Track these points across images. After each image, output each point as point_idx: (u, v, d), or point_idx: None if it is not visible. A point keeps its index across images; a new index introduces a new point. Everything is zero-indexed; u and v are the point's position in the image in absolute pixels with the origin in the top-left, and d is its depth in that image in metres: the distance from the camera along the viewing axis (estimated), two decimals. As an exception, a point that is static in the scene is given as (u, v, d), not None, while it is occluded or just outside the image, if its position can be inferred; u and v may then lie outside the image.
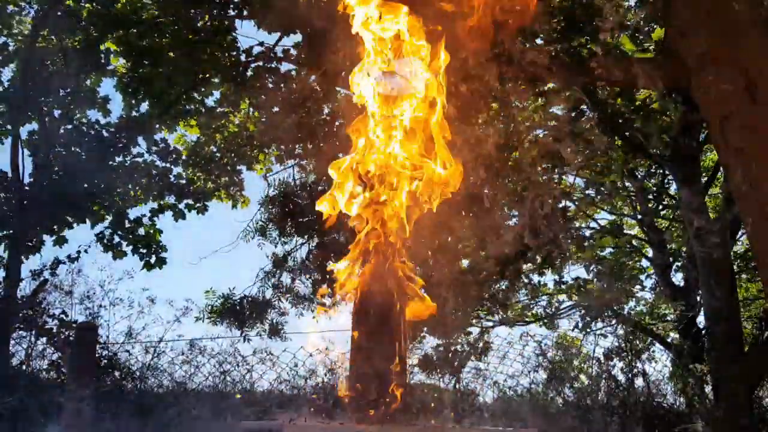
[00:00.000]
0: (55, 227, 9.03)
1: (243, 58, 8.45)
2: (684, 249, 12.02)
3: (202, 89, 9.41)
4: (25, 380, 7.54)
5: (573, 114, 8.37)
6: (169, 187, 9.77)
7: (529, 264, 10.75)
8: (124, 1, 8.86)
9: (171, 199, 9.94)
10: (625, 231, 12.97)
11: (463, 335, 9.63)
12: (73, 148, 9.12)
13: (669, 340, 10.60)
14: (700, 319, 9.39)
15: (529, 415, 7.44)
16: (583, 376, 7.94)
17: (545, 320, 11.59)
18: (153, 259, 9.73)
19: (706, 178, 10.99)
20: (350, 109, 3.75)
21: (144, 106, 9.55)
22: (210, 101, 9.78)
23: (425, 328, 9.47)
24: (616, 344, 7.91)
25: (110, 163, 9.20)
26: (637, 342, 8.11)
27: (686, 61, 3.53)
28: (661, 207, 11.98)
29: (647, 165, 11.18)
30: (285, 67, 8.47)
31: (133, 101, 9.47)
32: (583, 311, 8.87)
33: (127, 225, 9.63)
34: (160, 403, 7.55)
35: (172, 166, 9.88)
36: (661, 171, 10.85)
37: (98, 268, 8.79)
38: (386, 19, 3.49)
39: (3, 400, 6.68)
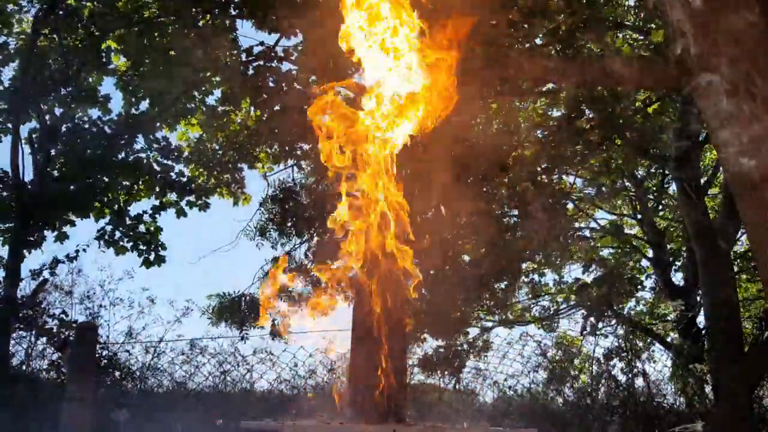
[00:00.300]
0: (56, 223, 9.05)
1: (243, 57, 8.44)
2: (684, 249, 12.02)
3: (203, 88, 9.41)
4: (25, 380, 7.55)
5: (573, 114, 8.37)
6: (171, 184, 9.78)
7: (529, 263, 10.75)
8: (124, 0, 8.86)
9: (173, 197, 9.95)
10: (625, 231, 12.96)
11: (462, 336, 9.64)
12: (77, 141, 9.12)
13: (669, 340, 10.60)
14: (700, 319, 9.40)
15: (529, 415, 7.45)
16: (583, 376, 7.94)
17: (545, 322, 11.58)
18: (152, 257, 9.73)
19: (705, 178, 10.99)
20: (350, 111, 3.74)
21: (144, 104, 9.57)
22: (210, 99, 9.81)
23: (425, 330, 9.49)
24: (616, 344, 7.91)
25: (113, 159, 9.20)
26: (637, 342, 8.11)
27: (686, 61, 3.53)
28: (661, 207, 11.98)
29: (647, 165, 11.18)
30: (285, 66, 8.50)
31: (133, 99, 9.48)
32: (585, 313, 8.86)
33: (128, 222, 9.64)
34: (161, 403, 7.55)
35: (174, 164, 9.90)
36: (661, 171, 10.86)
37: (98, 268, 8.83)
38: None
39: (3, 399, 6.68)
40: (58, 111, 9.28)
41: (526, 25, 6.98)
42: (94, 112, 9.54)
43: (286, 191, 9.04)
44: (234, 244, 9.94)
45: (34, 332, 8.15)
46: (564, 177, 10.37)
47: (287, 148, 8.78)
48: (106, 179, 9.25)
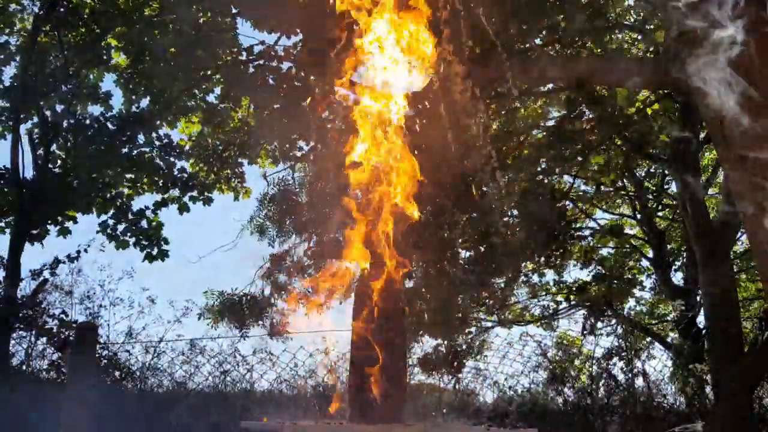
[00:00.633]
0: (58, 219, 9.07)
1: (244, 56, 8.45)
2: (684, 249, 12.03)
3: (203, 86, 9.42)
4: (25, 380, 7.54)
5: (572, 114, 8.37)
6: (173, 180, 9.80)
7: (528, 262, 10.74)
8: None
9: (175, 193, 9.97)
10: (625, 231, 12.97)
11: (461, 336, 9.64)
12: (79, 137, 9.14)
13: (669, 340, 10.60)
14: (700, 319, 9.40)
15: (529, 415, 7.45)
16: (583, 377, 7.94)
17: (544, 322, 11.58)
18: (155, 251, 9.75)
19: (705, 178, 11.00)
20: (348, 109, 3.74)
21: (144, 102, 9.59)
22: (210, 97, 9.82)
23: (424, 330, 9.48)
24: (616, 344, 7.91)
25: (115, 154, 9.21)
26: (637, 342, 8.11)
27: (686, 61, 3.54)
28: (660, 207, 11.98)
29: (647, 165, 11.19)
30: (285, 66, 8.50)
31: (134, 97, 9.50)
32: (585, 313, 8.87)
33: (131, 217, 9.67)
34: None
35: (176, 160, 9.92)
36: (661, 171, 10.86)
37: (98, 268, 8.80)
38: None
39: (3, 400, 6.68)
40: (59, 108, 9.31)
41: (524, 26, 6.99)
42: (96, 109, 9.60)
43: (284, 192, 9.03)
44: (234, 243, 9.93)
45: (34, 332, 8.15)
46: (564, 177, 10.38)
47: (287, 145, 8.79)
48: (110, 172, 9.27)
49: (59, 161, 9.27)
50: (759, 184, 3.19)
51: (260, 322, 9.45)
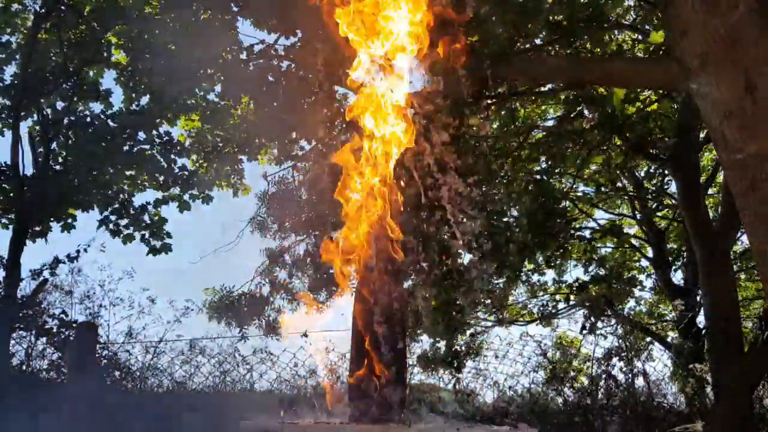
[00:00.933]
0: (60, 216, 9.08)
1: (244, 55, 8.45)
2: (684, 249, 12.03)
3: (204, 84, 9.43)
4: (25, 380, 7.54)
5: (572, 114, 8.38)
6: (174, 178, 9.82)
7: (528, 262, 10.75)
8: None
9: (175, 191, 9.99)
10: (624, 231, 12.97)
11: (460, 336, 9.64)
12: (79, 135, 9.15)
13: (669, 340, 10.60)
14: (700, 319, 9.40)
15: (529, 415, 7.45)
16: (583, 378, 7.94)
17: (543, 319, 11.59)
18: (159, 245, 9.76)
19: (705, 178, 11.00)
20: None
21: (144, 99, 9.60)
22: (210, 96, 9.83)
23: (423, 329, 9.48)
24: (616, 344, 7.91)
25: (116, 152, 9.23)
26: (637, 342, 8.11)
27: (686, 61, 3.53)
28: (660, 207, 11.99)
29: (647, 165, 11.19)
30: (285, 65, 8.50)
31: (134, 95, 9.51)
32: (586, 313, 8.87)
33: (132, 212, 9.69)
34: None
35: (176, 158, 9.93)
36: (661, 171, 10.87)
37: (98, 268, 8.79)
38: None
39: (3, 399, 6.68)
40: (59, 105, 9.33)
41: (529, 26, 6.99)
42: (96, 107, 9.61)
43: (283, 192, 9.04)
44: (235, 243, 9.94)
45: (34, 332, 8.14)
46: (564, 177, 10.39)
47: (287, 142, 8.79)
48: (110, 170, 9.29)
49: (60, 159, 9.29)
50: (758, 183, 3.19)
51: (257, 321, 9.47)
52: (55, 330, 8.12)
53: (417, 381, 8.33)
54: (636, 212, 12.37)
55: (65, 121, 9.28)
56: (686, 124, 8.35)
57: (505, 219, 9.25)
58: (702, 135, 8.90)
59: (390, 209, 3.47)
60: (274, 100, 8.01)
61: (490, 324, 11.59)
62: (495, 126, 9.97)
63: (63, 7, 8.89)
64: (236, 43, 8.40)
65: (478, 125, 9.39)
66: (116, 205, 9.65)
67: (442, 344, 8.96)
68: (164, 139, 9.80)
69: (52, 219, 9.04)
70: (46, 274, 8.55)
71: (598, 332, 8.26)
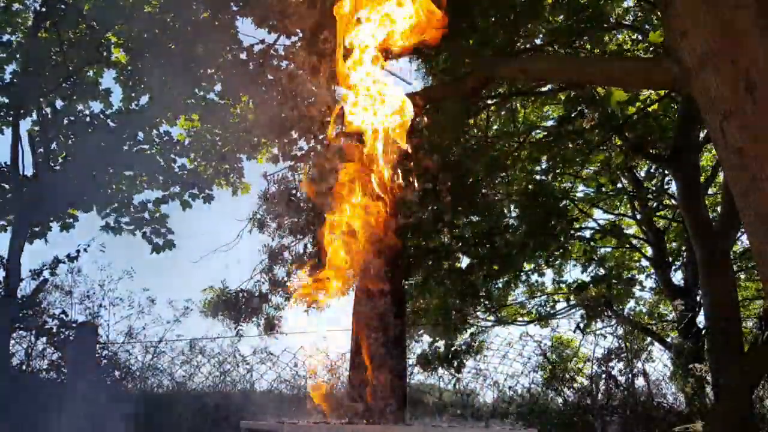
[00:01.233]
0: (59, 216, 9.09)
1: (244, 55, 8.45)
2: (684, 249, 12.03)
3: (203, 84, 9.43)
4: (25, 380, 7.54)
5: (572, 114, 8.37)
6: (173, 177, 9.82)
7: (528, 262, 10.76)
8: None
9: (175, 189, 10.00)
10: (624, 231, 12.98)
11: (460, 336, 9.64)
12: (79, 134, 9.16)
13: (669, 340, 10.60)
14: (700, 319, 9.40)
15: (529, 415, 7.45)
16: (580, 377, 7.93)
17: (541, 320, 11.59)
18: (161, 242, 9.76)
19: (705, 178, 11.00)
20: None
21: (144, 99, 9.60)
22: (210, 95, 9.82)
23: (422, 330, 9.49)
24: (616, 344, 7.91)
25: (116, 151, 9.23)
26: (637, 342, 8.11)
27: (686, 61, 3.53)
28: (660, 207, 12.00)
29: (647, 165, 11.19)
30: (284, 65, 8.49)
31: (133, 94, 9.51)
32: (582, 310, 8.87)
33: (132, 209, 9.70)
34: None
35: (176, 157, 9.94)
36: (661, 171, 10.87)
37: (98, 268, 8.79)
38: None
39: (3, 399, 6.68)
40: (59, 104, 9.33)
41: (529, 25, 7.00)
42: (96, 106, 9.61)
43: (283, 192, 9.03)
44: (235, 243, 9.94)
45: (34, 332, 8.14)
46: (564, 177, 10.40)
47: (286, 141, 8.78)
48: (110, 170, 9.29)
49: (59, 159, 9.29)
50: (758, 183, 3.19)
51: (255, 319, 9.47)
52: (55, 330, 8.12)
53: (417, 381, 8.33)
54: (636, 212, 12.37)
55: (65, 120, 9.28)
56: (686, 124, 8.35)
57: (505, 220, 9.26)
58: (702, 135, 8.90)
59: (390, 209, 3.47)
60: (274, 99, 8.02)
61: (489, 324, 11.60)
62: (495, 126, 9.98)
63: (63, 6, 8.89)
64: (236, 42, 8.40)
65: (478, 125, 9.41)
66: (115, 205, 9.65)
67: (441, 344, 8.97)
68: (164, 138, 9.80)
69: (51, 219, 9.05)
70: (46, 274, 8.56)
71: (598, 332, 8.26)
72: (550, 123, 10.19)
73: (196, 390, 8.20)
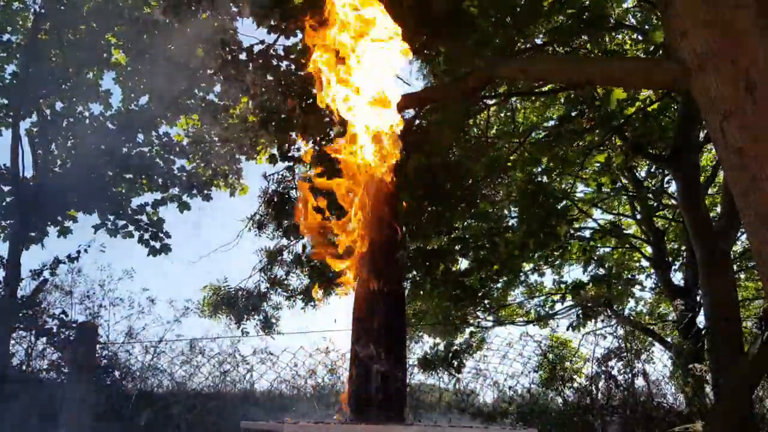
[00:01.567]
0: (58, 219, 9.08)
1: (244, 56, 8.44)
2: (684, 249, 12.03)
3: (203, 85, 9.43)
4: (25, 380, 7.54)
5: (572, 113, 8.38)
6: (173, 179, 9.82)
7: (527, 262, 10.76)
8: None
9: (174, 191, 9.99)
10: (624, 231, 12.98)
11: (460, 335, 9.65)
12: (79, 136, 9.16)
13: (669, 340, 10.60)
14: (700, 319, 9.40)
15: (529, 415, 7.45)
16: (578, 377, 7.93)
17: (539, 320, 11.59)
18: (158, 245, 9.75)
19: (705, 178, 11.00)
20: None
21: (143, 100, 9.61)
22: (210, 96, 9.83)
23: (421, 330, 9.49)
24: (616, 345, 7.91)
25: (116, 154, 9.23)
26: (637, 342, 8.11)
27: (686, 61, 3.53)
28: (660, 207, 12.01)
29: (647, 165, 11.19)
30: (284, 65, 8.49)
31: (132, 95, 9.51)
32: (579, 310, 8.88)
33: (129, 213, 9.69)
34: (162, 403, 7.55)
35: (175, 158, 9.94)
36: (661, 171, 10.87)
37: (98, 268, 8.80)
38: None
39: (3, 399, 6.68)
40: (59, 106, 9.32)
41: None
42: (96, 108, 9.61)
43: (280, 193, 9.05)
44: (235, 243, 9.95)
45: (34, 332, 8.15)
46: (564, 177, 10.39)
47: (286, 143, 8.79)
48: (110, 173, 9.29)
49: (59, 161, 9.29)
50: (758, 183, 3.19)
51: (254, 317, 9.48)
52: (55, 330, 8.13)
53: (417, 381, 8.33)
54: (636, 212, 12.37)
55: (64, 123, 9.28)
56: (686, 124, 8.35)
57: (504, 220, 9.27)
58: (702, 135, 8.90)
59: (389, 209, 3.47)
60: (273, 100, 8.01)
61: (489, 324, 11.60)
62: (495, 126, 9.98)
63: (62, 7, 8.89)
64: (236, 43, 8.40)
65: (478, 125, 9.42)
66: (114, 208, 9.63)
67: (441, 345, 8.98)
68: (163, 140, 9.80)
69: (49, 224, 9.03)
70: (46, 274, 8.57)
71: (598, 332, 8.26)
72: (550, 123, 10.19)
73: (196, 390, 8.20)
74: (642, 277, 13.30)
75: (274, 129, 7.66)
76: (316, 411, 6.63)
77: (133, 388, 8.13)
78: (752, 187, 3.22)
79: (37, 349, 8.21)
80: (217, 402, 7.72)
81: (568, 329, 8.61)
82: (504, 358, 8.14)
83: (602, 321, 8.62)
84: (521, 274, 11.30)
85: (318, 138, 7.70)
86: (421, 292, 8.75)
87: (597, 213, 12.78)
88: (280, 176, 9.30)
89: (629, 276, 12.39)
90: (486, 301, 10.59)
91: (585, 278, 10.84)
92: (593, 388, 7.60)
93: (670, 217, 12.19)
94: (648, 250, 12.73)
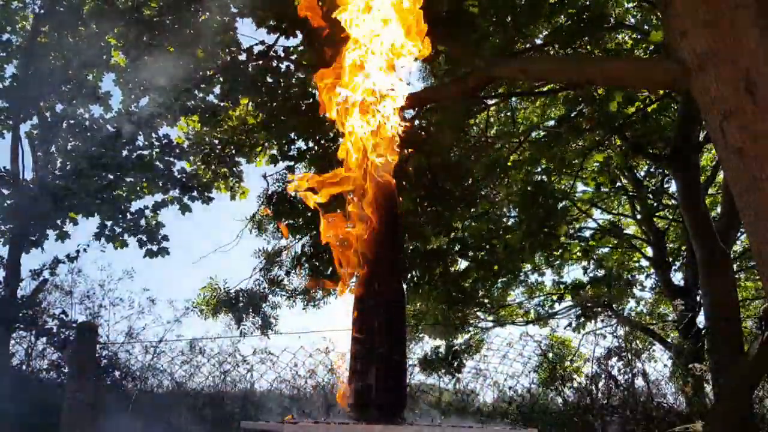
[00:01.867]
0: (58, 222, 9.06)
1: (244, 56, 8.45)
2: (684, 249, 12.03)
3: (203, 86, 9.41)
4: (25, 380, 7.54)
5: (572, 113, 8.38)
6: (173, 181, 9.80)
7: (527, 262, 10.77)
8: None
9: (175, 193, 9.97)
10: (624, 231, 12.98)
11: (460, 335, 9.65)
12: (79, 139, 9.15)
13: (669, 340, 10.60)
14: (700, 319, 9.41)
15: (529, 415, 7.45)
16: (577, 377, 7.93)
17: (538, 320, 11.59)
18: (156, 248, 9.74)
19: (705, 178, 11.00)
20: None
21: (144, 101, 9.58)
22: (210, 97, 9.80)
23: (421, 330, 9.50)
24: (616, 344, 7.91)
25: (116, 156, 9.21)
26: (637, 342, 8.11)
27: (686, 61, 3.54)
28: (660, 207, 12.01)
29: (647, 165, 11.20)
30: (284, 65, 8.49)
31: (132, 97, 9.49)
32: (579, 310, 8.89)
33: (129, 217, 9.67)
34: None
35: (176, 160, 9.92)
36: (661, 171, 10.88)
37: (98, 268, 8.80)
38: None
39: (3, 399, 6.68)
40: (59, 108, 9.31)
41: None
42: (96, 110, 9.59)
43: (280, 194, 9.05)
44: (235, 243, 9.97)
45: (34, 332, 8.15)
46: (564, 177, 10.40)
47: (285, 144, 8.79)
48: (110, 176, 9.27)
49: (59, 163, 9.27)
50: (758, 183, 3.19)
51: (254, 316, 9.48)
52: (55, 330, 8.13)
53: (417, 381, 8.33)
54: (636, 212, 12.37)
55: (64, 124, 9.27)
56: (686, 124, 8.35)
57: (504, 220, 9.27)
58: (702, 135, 8.90)
59: (390, 208, 3.46)
60: (274, 101, 8.02)
61: (489, 324, 11.61)
62: (495, 126, 9.98)
63: (62, 9, 8.89)
64: (236, 44, 8.40)
65: (478, 125, 9.42)
66: (113, 212, 9.59)
67: (442, 346, 8.99)
68: (163, 141, 9.78)
69: (48, 227, 9.00)
70: (45, 274, 8.57)
71: (598, 332, 8.26)
72: (550, 123, 10.19)
73: (196, 390, 8.20)
74: (642, 277, 13.31)
75: (275, 129, 7.67)
76: (317, 411, 6.63)
77: (133, 388, 8.12)
78: (752, 187, 3.23)
79: (37, 349, 8.22)
80: (217, 402, 7.72)
81: (566, 328, 8.62)
82: (504, 358, 8.13)
83: (602, 321, 8.62)
84: (521, 274, 11.29)
85: (318, 138, 7.72)
86: (420, 292, 8.75)
87: (597, 213, 12.78)
88: (280, 176, 9.32)
89: (629, 276, 12.39)
90: (486, 302, 10.59)
91: (585, 279, 10.86)
92: (593, 387, 7.60)
93: (670, 217, 12.19)
94: (648, 250, 12.73)
